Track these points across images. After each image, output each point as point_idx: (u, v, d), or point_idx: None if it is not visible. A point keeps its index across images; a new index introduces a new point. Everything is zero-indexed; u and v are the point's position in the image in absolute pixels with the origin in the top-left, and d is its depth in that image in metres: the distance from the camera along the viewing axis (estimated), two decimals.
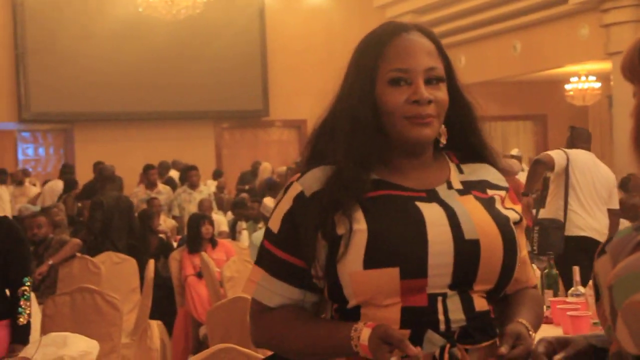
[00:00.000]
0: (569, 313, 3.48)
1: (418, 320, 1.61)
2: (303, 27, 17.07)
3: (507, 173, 1.84)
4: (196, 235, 6.68)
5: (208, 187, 10.84)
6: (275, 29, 16.77)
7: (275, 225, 1.73)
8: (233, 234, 9.07)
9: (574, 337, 1.55)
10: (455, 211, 1.65)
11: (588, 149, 7.26)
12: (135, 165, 12.59)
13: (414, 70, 1.67)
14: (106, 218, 7.31)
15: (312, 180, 1.71)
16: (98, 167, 10.01)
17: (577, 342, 1.53)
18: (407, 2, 16.65)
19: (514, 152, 12.71)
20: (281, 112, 17.10)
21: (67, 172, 12.30)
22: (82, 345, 3.37)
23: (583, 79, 16.68)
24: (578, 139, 7.32)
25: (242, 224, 8.88)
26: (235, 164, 15.45)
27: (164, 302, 6.65)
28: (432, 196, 1.69)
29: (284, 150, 16.93)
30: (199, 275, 6.38)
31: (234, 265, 5.80)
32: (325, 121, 1.77)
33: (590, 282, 3.83)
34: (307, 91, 17.12)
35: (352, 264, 1.62)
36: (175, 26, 14.10)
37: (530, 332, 1.65)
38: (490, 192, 1.75)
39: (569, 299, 3.94)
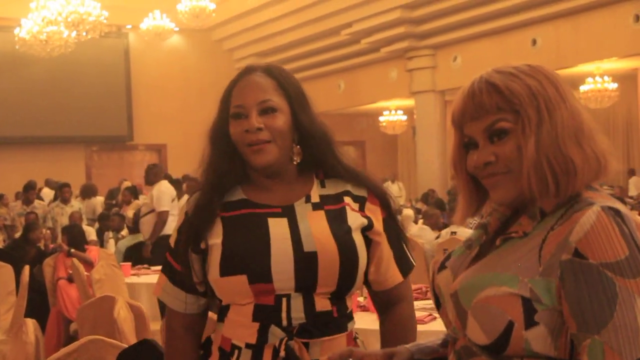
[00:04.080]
0: None
1: (265, 316, 1.62)
2: (162, 64, 16.85)
3: (373, 188, 1.75)
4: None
5: (78, 202, 10.46)
6: (138, 65, 16.48)
7: (172, 240, 1.77)
8: (101, 242, 8.82)
9: (398, 349, 1.47)
10: (299, 227, 1.64)
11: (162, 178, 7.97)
12: (13, 183, 12.01)
13: (248, 105, 1.66)
14: None
15: (192, 203, 1.73)
16: None
17: (401, 353, 1.46)
18: (252, 46, 16.76)
19: None
20: (144, 137, 16.78)
21: None
22: None
23: (393, 113, 17.29)
24: (159, 174, 7.93)
25: (109, 234, 8.66)
26: (104, 182, 14.98)
27: (38, 303, 6.37)
28: (286, 212, 1.67)
29: None
30: (69, 279, 6.15)
31: (102, 269, 5.62)
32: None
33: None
34: (166, 119, 16.91)
35: (213, 272, 1.65)
36: (49, 62, 13.61)
37: None
38: (346, 199, 1.71)
39: None
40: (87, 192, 11.11)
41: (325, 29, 14.72)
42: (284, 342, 1.60)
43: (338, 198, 1.72)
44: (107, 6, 12.69)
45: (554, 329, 1.19)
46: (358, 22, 14.09)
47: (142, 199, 11.24)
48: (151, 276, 6.07)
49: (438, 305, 1.41)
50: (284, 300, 1.61)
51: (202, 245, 1.67)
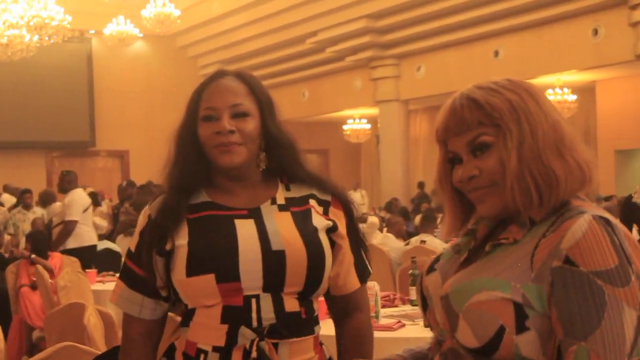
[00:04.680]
0: None
1: (234, 317, 1.60)
2: (126, 70, 16.73)
3: (337, 194, 1.77)
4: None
5: (40, 209, 10.31)
6: (101, 71, 16.34)
7: (132, 244, 1.74)
8: None
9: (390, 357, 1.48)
10: (267, 226, 1.65)
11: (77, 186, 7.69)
12: None
13: (220, 108, 1.66)
14: None
15: (156, 206, 1.72)
16: None
17: None
18: (216, 53, 16.72)
19: None
20: (106, 143, 16.62)
21: None
22: None
23: (357, 121, 17.38)
24: (73, 182, 7.66)
25: None
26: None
27: (0, 310, 6.28)
28: (252, 213, 1.67)
29: (108, 176, 16.43)
30: (32, 286, 6.07)
31: (67, 276, 5.55)
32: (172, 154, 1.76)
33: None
34: (129, 125, 16.77)
35: (178, 274, 1.63)
36: (11, 66, 13.41)
37: None
38: (311, 202, 1.73)
39: None
40: (47, 199, 10.94)
41: (290, 37, 14.76)
42: (255, 343, 1.59)
43: (303, 200, 1.73)
44: (71, 11, 12.57)
45: (543, 334, 1.20)
46: (323, 31, 14.16)
47: (105, 205, 11.14)
48: None
49: (424, 306, 1.42)
50: (253, 300, 1.61)
51: (168, 247, 1.65)
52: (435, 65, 13.61)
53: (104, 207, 10.88)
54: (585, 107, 14.46)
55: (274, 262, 1.61)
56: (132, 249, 1.73)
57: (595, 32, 11.27)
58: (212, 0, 15.70)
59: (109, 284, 6.02)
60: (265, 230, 1.64)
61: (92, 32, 16.02)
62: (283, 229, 1.65)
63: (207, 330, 1.63)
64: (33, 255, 6.25)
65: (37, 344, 5.78)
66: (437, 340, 1.38)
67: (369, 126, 17.32)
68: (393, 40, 13.81)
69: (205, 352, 1.62)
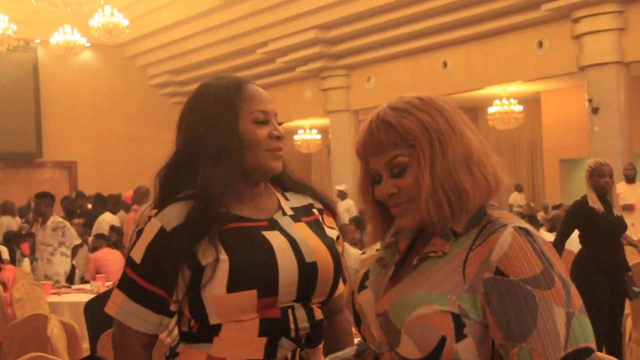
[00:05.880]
0: None
1: (274, 329, 1.60)
2: (73, 80, 16.53)
3: (326, 201, 1.81)
4: None
5: None
6: (48, 80, 16.11)
7: (137, 255, 1.62)
8: (12, 260, 8.54)
9: None
10: (295, 239, 1.65)
11: None
12: None
13: (270, 113, 1.68)
14: None
15: (171, 216, 1.61)
16: None
17: None
18: (166, 63, 16.66)
19: (341, 187, 12.86)
20: (53, 154, 16.37)
21: None
22: None
23: (308, 132, 17.49)
24: None
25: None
26: (11, 200, 14.51)
27: None
28: (273, 225, 1.67)
29: (55, 187, 16.08)
30: None
31: (23, 288, 5.49)
32: (179, 158, 1.67)
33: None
34: (76, 136, 16.55)
35: (215, 289, 1.56)
36: None
37: None
38: (315, 212, 1.76)
39: None
40: (9, 209, 10.74)
41: (241, 47, 14.80)
42: (297, 353, 1.62)
43: (307, 210, 1.76)
44: (15, 19, 12.41)
45: (479, 339, 1.30)
46: (273, 41, 14.25)
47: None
48: (72, 295, 5.97)
49: (358, 322, 1.49)
50: (289, 311, 1.62)
51: (204, 261, 1.57)
52: (384, 75, 13.82)
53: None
54: (530, 117, 14.84)
55: (307, 275, 1.63)
56: (137, 261, 1.62)
57: (540, 44, 11.61)
58: (161, 9, 15.64)
59: (65, 295, 5.98)
60: (295, 242, 1.65)
61: (37, 41, 15.79)
62: (309, 239, 1.67)
63: (241, 345, 1.59)
64: None
65: None
66: (374, 353, 1.44)
67: (319, 136, 17.42)
68: (343, 50, 13.98)
69: None
